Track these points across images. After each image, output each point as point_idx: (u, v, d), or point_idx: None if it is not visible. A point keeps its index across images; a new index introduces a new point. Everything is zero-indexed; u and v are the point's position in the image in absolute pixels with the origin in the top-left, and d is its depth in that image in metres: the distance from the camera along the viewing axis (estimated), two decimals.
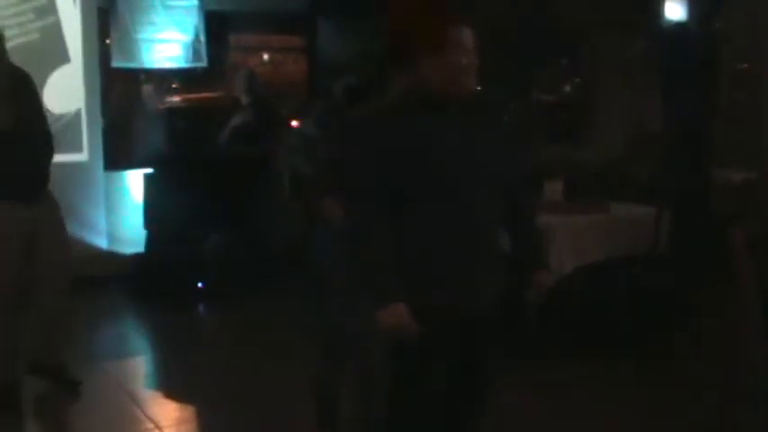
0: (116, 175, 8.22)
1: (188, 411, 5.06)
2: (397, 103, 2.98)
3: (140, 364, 5.93)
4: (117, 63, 8.15)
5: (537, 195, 5.56)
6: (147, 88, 8.69)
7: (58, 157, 7.55)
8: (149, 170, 7.68)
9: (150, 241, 7.48)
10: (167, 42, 8.36)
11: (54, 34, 7.62)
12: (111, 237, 8.04)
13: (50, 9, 7.60)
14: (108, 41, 8.14)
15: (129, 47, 8.13)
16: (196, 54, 8.51)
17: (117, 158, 8.24)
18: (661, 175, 6.89)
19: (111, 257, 7.88)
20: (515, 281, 3.08)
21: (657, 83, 7.56)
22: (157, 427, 4.64)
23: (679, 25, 6.98)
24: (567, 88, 9.67)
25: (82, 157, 7.85)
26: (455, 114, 2.91)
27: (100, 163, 7.98)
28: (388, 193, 2.85)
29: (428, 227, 2.86)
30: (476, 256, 2.91)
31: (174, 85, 8.87)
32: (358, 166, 2.95)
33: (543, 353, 5.29)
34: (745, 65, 7.53)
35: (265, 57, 9.54)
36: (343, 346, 3.83)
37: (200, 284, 7.29)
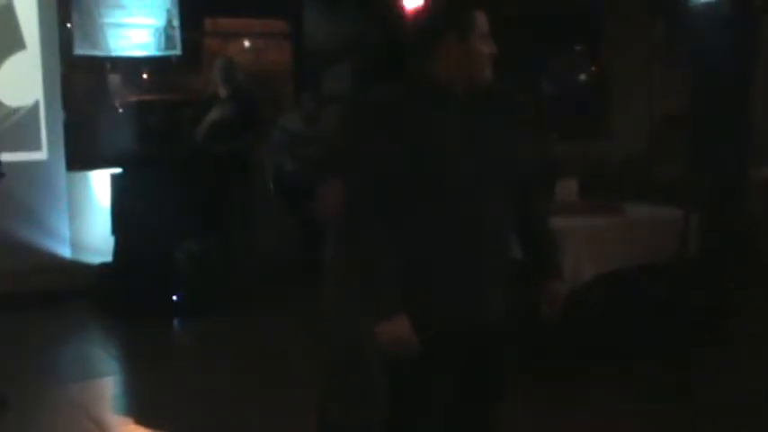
0: (80, 175, 8.18)
1: None
2: (400, 95, 2.97)
3: (107, 386, 5.85)
4: (80, 50, 8.11)
5: (550, 196, 5.54)
6: (113, 79, 8.66)
7: (14, 156, 7.58)
8: (117, 170, 7.64)
9: (118, 249, 7.44)
10: (136, 28, 8.33)
11: (6, 17, 7.56)
12: (75, 245, 8.00)
13: None
14: (69, 26, 8.10)
15: (94, 32, 8.09)
16: (169, 41, 8.48)
17: (81, 157, 8.20)
18: (689, 172, 6.86)
19: (75, 268, 7.84)
20: (527, 290, 3.06)
21: (685, 69, 7.52)
22: None
23: (710, 1, 6.94)
24: (582, 77, 9.66)
25: (41, 155, 7.81)
26: (461, 108, 2.90)
27: (61, 162, 7.94)
28: (388, 194, 2.83)
29: (431, 230, 2.84)
30: (483, 263, 2.90)
31: (144, 76, 8.84)
32: (355, 165, 2.93)
33: (558, 368, 5.26)
34: None
35: (246, 43, 9.53)
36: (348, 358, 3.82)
37: (174, 297, 7.24)
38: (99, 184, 8.10)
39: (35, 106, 7.74)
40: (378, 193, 2.84)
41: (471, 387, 3.05)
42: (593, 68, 9.54)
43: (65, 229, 7.92)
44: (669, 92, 7.97)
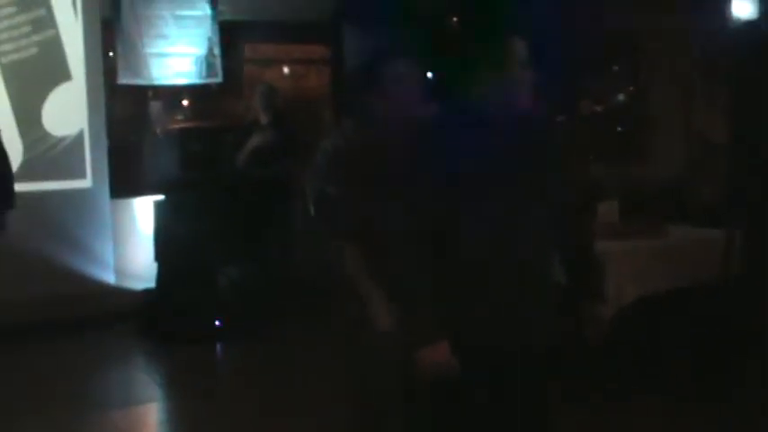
0: (123, 202, 8.24)
1: None
2: (437, 120, 2.98)
3: (151, 413, 5.88)
4: (123, 80, 8.18)
5: (591, 218, 5.50)
6: (156, 107, 8.72)
7: (59, 184, 7.68)
8: (160, 197, 7.68)
9: (162, 275, 7.47)
10: (178, 56, 8.38)
11: (53, 49, 7.68)
12: (119, 271, 8.05)
13: (49, 21, 7.66)
14: (112, 56, 8.19)
15: (137, 62, 8.16)
16: (210, 68, 8.53)
17: (124, 184, 8.26)
18: (730, 193, 6.79)
19: (119, 294, 7.89)
20: (570, 313, 3.03)
21: (724, 90, 7.47)
22: None
23: (750, 24, 6.88)
24: (621, 98, 9.59)
25: (85, 183, 7.88)
26: (499, 132, 2.89)
27: (106, 190, 8.01)
28: (428, 219, 2.82)
29: (470, 254, 2.83)
30: (523, 286, 2.88)
31: (185, 103, 8.90)
32: (396, 189, 2.93)
33: (599, 390, 5.23)
34: None
35: (285, 69, 9.56)
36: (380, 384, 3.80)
37: (216, 322, 7.25)
38: (142, 210, 8.14)
39: (80, 135, 7.82)
40: (415, 217, 2.84)
41: (512, 409, 3.02)
42: (631, 89, 9.47)
43: (109, 256, 7.98)
44: (710, 113, 7.89)
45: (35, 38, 7.58)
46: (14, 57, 7.38)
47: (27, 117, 7.56)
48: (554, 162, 3.02)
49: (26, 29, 7.56)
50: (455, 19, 7.86)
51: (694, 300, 5.56)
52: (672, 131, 8.47)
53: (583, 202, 3.25)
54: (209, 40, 8.44)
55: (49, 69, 7.68)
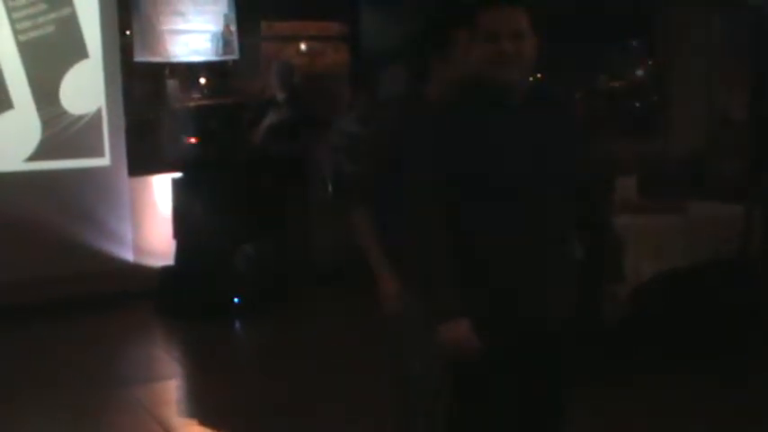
0: (141, 180, 8.26)
1: None
2: (452, 96, 2.96)
3: (171, 389, 5.91)
4: (140, 57, 8.19)
5: (610, 195, 5.48)
6: (172, 84, 8.73)
7: (78, 162, 7.71)
8: (178, 174, 7.70)
9: (180, 252, 7.50)
10: (194, 33, 8.39)
11: (70, 27, 7.69)
12: (138, 248, 8.09)
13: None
14: (129, 33, 8.19)
15: (153, 39, 8.17)
16: (226, 45, 8.54)
17: (142, 162, 8.28)
18: (749, 168, 6.75)
19: (138, 271, 7.93)
20: (589, 291, 3.02)
21: (744, 64, 7.42)
22: None
23: None
24: (640, 73, 9.55)
25: (103, 161, 7.91)
26: (515, 108, 2.87)
27: (124, 167, 8.04)
28: (446, 197, 2.82)
29: (490, 231, 2.82)
30: (543, 263, 2.87)
31: (202, 80, 8.90)
32: (414, 168, 2.92)
33: (620, 369, 5.22)
34: None
35: (302, 46, 9.54)
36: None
37: (235, 299, 7.28)
38: (160, 188, 8.17)
39: (98, 113, 7.84)
40: (435, 194, 2.83)
41: (532, 388, 3.03)
42: (650, 64, 9.42)
43: (127, 234, 8.02)
44: (729, 88, 7.84)
45: (52, 15, 7.59)
46: (31, 35, 7.40)
47: (45, 95, 7.59)
48: (571, 138, 3.00)
49: (43, 6, 7.56)
50: None
51: (713, 276, 5.55)
52: (691, 106, 8.43)
53: (601, 178, 3.21)
54: (226, 16, 8.44)
55: (67, 47, 7.70)
